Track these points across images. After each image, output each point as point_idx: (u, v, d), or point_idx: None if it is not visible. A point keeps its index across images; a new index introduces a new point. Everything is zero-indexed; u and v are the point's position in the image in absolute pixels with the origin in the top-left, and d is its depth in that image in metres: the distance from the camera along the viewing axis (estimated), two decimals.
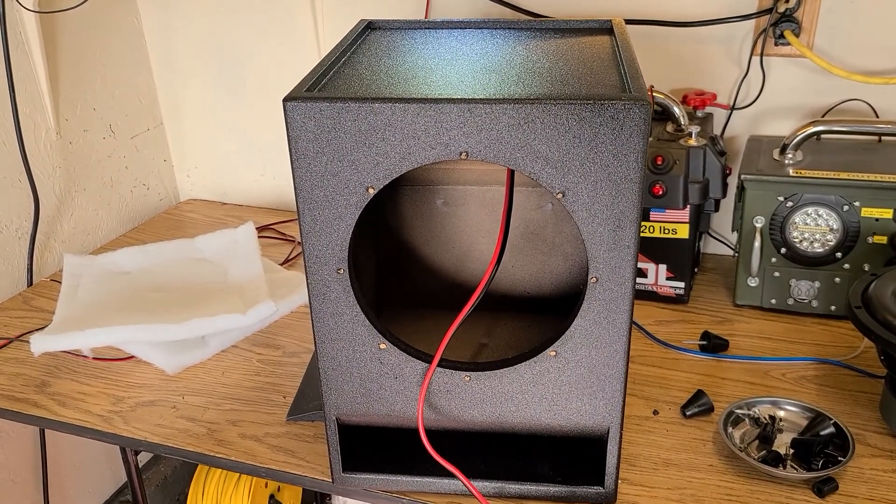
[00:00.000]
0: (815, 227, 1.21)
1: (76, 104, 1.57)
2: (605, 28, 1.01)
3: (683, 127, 1.29)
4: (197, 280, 1.41)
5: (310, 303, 0.85)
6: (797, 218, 1.22)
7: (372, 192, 0.79)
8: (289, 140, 0.77)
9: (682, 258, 1.30)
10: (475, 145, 0.75)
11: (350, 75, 0.85)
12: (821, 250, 1.22)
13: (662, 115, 1.32)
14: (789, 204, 1.21)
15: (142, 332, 1.20)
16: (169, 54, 1.73)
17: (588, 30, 1.01)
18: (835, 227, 1.20)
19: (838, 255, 1.22)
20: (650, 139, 1.27)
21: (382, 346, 0.87)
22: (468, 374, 0.88)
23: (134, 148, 1.73)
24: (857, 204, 1.18)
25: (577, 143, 0.74)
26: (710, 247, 1.50)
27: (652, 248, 1.30)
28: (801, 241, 1.23)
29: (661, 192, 1.23)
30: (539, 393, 0.87)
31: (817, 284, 1.24)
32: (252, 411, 1.12)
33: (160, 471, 1.80)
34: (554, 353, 0.85)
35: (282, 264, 1.51)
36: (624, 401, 0.87)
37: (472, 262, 1.12)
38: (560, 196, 0.77)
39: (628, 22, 1.35)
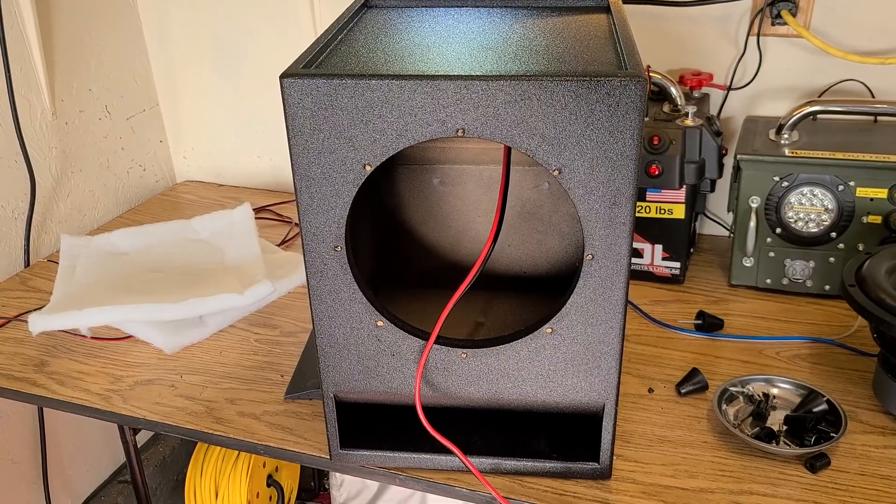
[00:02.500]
0: (810, 207, 1.22)
1: (72, 85, 1.57)
2: (602, 6, 1.01)
3: (680, 107, 1.29)
4: (194, 261, 1.41)
5: (307, 280, 0.86)
6: (792, 198, 1.22)
7: (369, 169, 0.79)
8: (286, 117, 0.77)
9: (678, 238, 1.30)
10: (472, 122, 0.76)
11: (347, 53, 0.85)
12: (816, 230, 1.23)
13: (659, 95, 1.32)
14: (785, 184, 1.22)
15: (139, 311, 1.20)
16: (165, 35, 1.72)
17: (585, 8, 1.01)
18: (830, 206, 1.21)
19: (833, 234, 1.22)
20: (647, 119, 1.27)
21: (380, 323, 0.87)
22: (465, 350, 0.88)
23: (130, 129, 1.73)
24: (851, 184, 1.19)
25: (573, 120, 0.74)
26: (706, 227, 1.51)
27: (648, 229, 1.30)
28: (796, 220, 1.23)
29: (657, 172, 1.23)
30: (535, 370, 0.88)
31: (812, 264, 1.25)
32: (250, 390, 1.13)
33: (159, 451, 1.81)
34: (550, 329, 0.85)
35: (279, 245, 1.52)
36: (619, 377, 0.88)
37: (468, 241, 1.12)
38: (556, 173, 0.77)
39: (625, 1, 1.35)
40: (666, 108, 1.31)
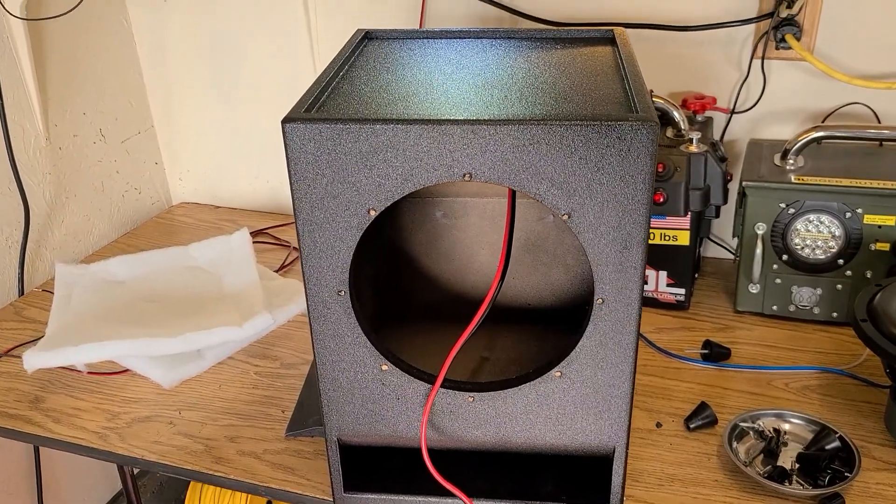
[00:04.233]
0: (816, 234, 1.20)
1: (65, 109, 1.55)
2: (607, 38, 1.00)
3: (684, 132, 1.28)
4: (192, 289, 1.39)
5: (310, 324, 0.83)
6: (799, 224, 1.21)
7: (373, 213, 0.77)
8: (288, 162, 0.75)
9: (683, 265, 1.29)
10: (479, 167, 0.74)
11: (349, 92, 0.83)
12: (823, 257, 1.21)
13: (662, 119, 1.30)
14: (791, 211, 1.20)
15: (136, 346, 1.18)
16: (159, 57, 1.70)
17: (589, 39, 0.99)
18: (837, 233, 1.19)
19: (840, 262, 1.21)
20: None
21: (384, 367, 0.85)
22: (471, 394, 0.86)
23: (125, 152, 1.71)
24: (859, 211, 1.17)
25: (582, 165, 0.73)
26: (710, 250, 1.49)
27: (652, 255, 1.29)
28: (802, 247, 1.22)
29: (661, 200, 1.22)
30: (544, 413, 0.86)
31: (819, 291, 1.23)
32: (250, 426, 1.11)
33: (156, 477, 1.79)
34: (559, 373, 0.84)
35: (277, 270, 1.49)
36: (630, 421, 0.86)
37: (473, 275, 1.10)
38: (566, 217, 0.75)
39: (627, 25, 1.33)
40: (669, 132, 1.30)
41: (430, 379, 0.86)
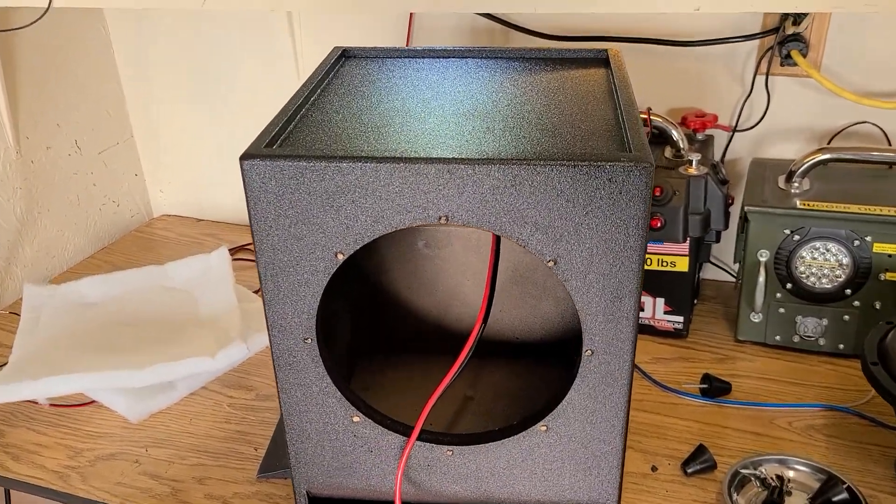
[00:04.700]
0: (823, 262, 1.14)
1: (37, 120, 1.48)
2: (601, 59, 0.93)
3: (683, 152, 1.21)
4: (167, 312, 1.32)
5: (275, 373, 0.77)
6: (804, 252, 1.14)
7: (341, 257, 0.70)
8: (247, 201, 0.69)
9: (681, 292, 1.22)
10: (456, 209, 0.67)
11: (318, 122, 0.76)
12: (829, 286, 1.15)
13: (660, 138, 1.24)
14: (796, 237, 1.14)
15: (101, 379, 1.11)
16: (140, 65, 1.63)
17: (582, 60, 0.93)
18: (844, 262, 1.13)
19: (848, 291, 1.14)
20: None
21: (356, 418, 0.79)
22: (450, 447, 0.80)
23: (102, 163, 1.64)
24: (868, 239, 1.11)
25: (570, 208, 0.66)
26: (710, 272, 1.42)
27: (649, 281, 1.22)
28: (808, 276, 1.15)
29: (659, 225, 1.15)
30: (528, 469, 0.80)
31: (825, 322, 1.17)
32: (220, 466, 1.04)
33: None
34: (545, 427, 0.77)
35: (257, 292, 1.43)
36: (622, 476, 0.80)
37: (457, 306, 1.04)
38: (551, 264, 0.68)
39: (625, 40, 1.26)
40: (668, 152, 1.23)
41: (405, 431, 0.80)
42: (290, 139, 0.72)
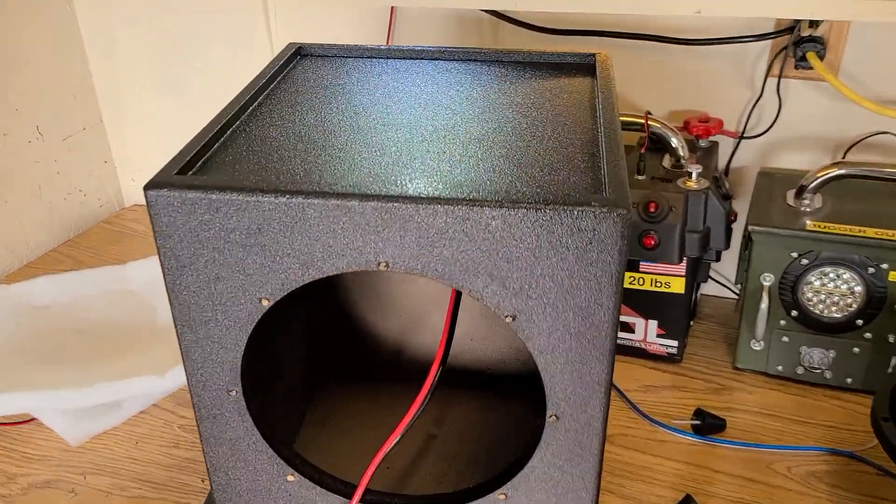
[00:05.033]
0: (833, 289, 1.03)
1: None
2: (588, 64, 0.82)
3: (683, 162, 1.10)
4: (122, 319, 1.23)
5: (197, 424, 0.68)
6: (813, 278, 1.03)
7: (267, 304, 0.60)
8: (154, 235, 0.59)
9: (676, 315, 1.12)
10: (398, 255, 0.57)
11: (251, 139, 0.66)
12: (839, 316, 1.04)
13: (659, 145, 1.13)
14: (804, 262, 1.03)
15: (39, 399, 1.02)
16: (109, 45, 1.53)
17: (567, 66, 0.82)
18: (857, 290, 1.02)
19: (859, 322, 1.04)
20: (642, 178, 1.08)
21: (290, 477, 0.69)
22: None
23: (67, 150, 1.54)
24: (884, 266, 1.00)
25: (531, 258, 0.56)
26: (711, 286, 1.32)
27: (641, 303, 1.12)
28: (815, 303, 1.05)
29: (652, 244, 1.04)
30: None
31: (832, 354, 1.06)
32: (162, 499, 0.95)
33: None
34: (503, 496, 0.67)
35: None
36: None
37: (421, 331, 0.94)
38: (509, 320, 0.58)
39: (624, 35, 1.15)
40: (666, 161, 1.12)
41: (347, 491, 0.70)
42: (212, 162, 0.62)
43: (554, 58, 0.82)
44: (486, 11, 1.20)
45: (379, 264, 0.57)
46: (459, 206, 0.54)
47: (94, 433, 1.05)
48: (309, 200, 0.55)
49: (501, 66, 0.82)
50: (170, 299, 0.61)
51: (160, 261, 0.59)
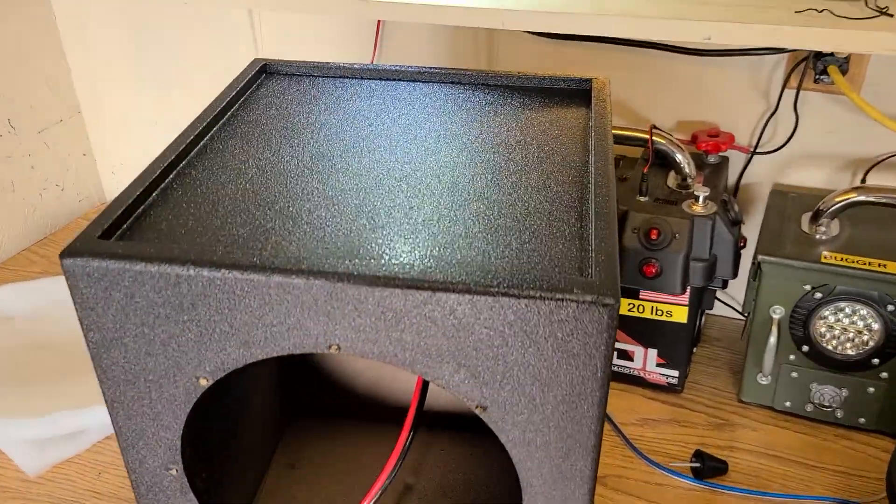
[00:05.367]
0: (848, 325, 0.95)
1: None
2: (583, 90, 0.74)
3: (689, 182, 1.02)
4: None
5: (136, 500, 0.61)
6: (827, 313, 0.95)
7: (205, 383, 0.53)
8: (75, 305, 0.51)
9: (678, 345, 1.04)
10: (351, 338, 0.50)
11: (192, 189, 0.58)
12: (853, 353, 0.97)
13: (664, 161, 1.04)
14: (818, 295, 0.95)
15: None
16: (85, 29, 1.44)
17: (559, 93, 0.73)
18: (874, 327, 0.94)
19: (875, 361, 0.96)
20: (644, 199, 1.00)
21: None
22: None
23: (42, 144, 1.47)
24: None
25: (503, 347, 0.48)
26: (714, 305, 1.23)
27: (640, 331, 1.04)
28: (829, 339, 0.97)
29: (654, 273, 0.96)
30: None
31: (845, 392, 0.99)
32: None
33: None
34: None
35: None
36: None
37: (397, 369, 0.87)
38: (479, 410, 0.51)
39: (632, 43, 1.06)
40: (671, 180, 1.04)
41: None
42: (144, 221, 0.54)
43: (546, 82, 0.74)
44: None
45: (330, 347, 0.50)
46: (420, 291, 0.47)
47: (56, 462, 0.99)
48: (247, 276, 0.48)
49: (488, 90, 0.74)
50: (97, 374, 0.54)
51: (83, 333, 0.52)
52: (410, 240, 0.52)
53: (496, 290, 0.46)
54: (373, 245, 0.51)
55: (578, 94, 0.73)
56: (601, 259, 0.48)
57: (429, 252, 0.50)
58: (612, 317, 0.46)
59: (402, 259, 0.49)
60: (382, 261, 0.49)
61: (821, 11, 0.71)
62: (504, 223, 0.54)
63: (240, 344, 0.51)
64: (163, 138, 1.50)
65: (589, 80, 0.73)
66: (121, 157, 1.57)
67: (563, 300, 0.46)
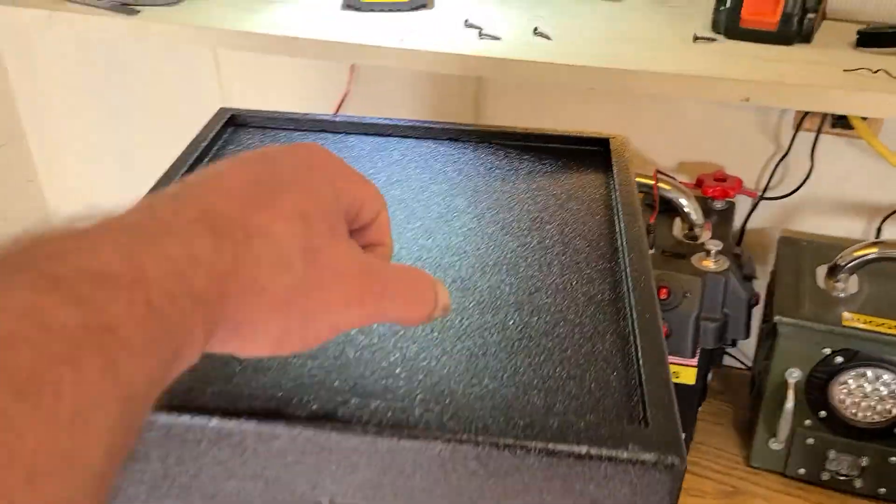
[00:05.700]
0: (871, 392, 0.88)
1: None
2: (599, 152, 0.64)
3: (696, 231, 0.93)
4: None
5: None
6: (848, 378, 0.88)
7: None
8: None
9: (684, 406, 0.96)
10: (345, 492, 0.40)
11: None
12: (876, 420, 0.89)
13: (668, 207, 0.96)
14: (839, 359, 0.87)
15: None
16: (29, 48, 1.32)
17: (576, 155, 0.64)
18: None
19: None
20: (651, 251, 0.91)
21: None
22: None
23: None
24: None
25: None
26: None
27: None
28: (849, 405, 0.89)
29: (664, 335, 0.88)
30: None
31: (864, 462, 0.92)
32: None
33: None
34: None
35: None
36: None
37: None
38: None
39: None
40: (677, 228, 0.95)
41: None
42: None
43: (562, 142, 0.64)
44: None
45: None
46: (424, 441, 0.37)
47: None
48: (225, 423, 0.38)
49: (491, 149, 0.64)
50: None
51: None
52: (405, 375, 0.42)
53: (519, 444, 0.37)
54: (371, 363, 0.41)
55: (597, 156, 0.63)
56: (656, 398, 0.39)
57: (430, 378, 0.41)
58: (678, 478, 0.37)
59: (405, 391, 0.40)
60: (383, 387, 0.39)
61: (875, 72, 0.63)
62: (518, 344, 0.44)
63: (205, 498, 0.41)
64: (112, 164, 1.39)
65: (606, 140, 0.64)
66: (70, 183, 1.45)
67: (614, 460, 0.36)
